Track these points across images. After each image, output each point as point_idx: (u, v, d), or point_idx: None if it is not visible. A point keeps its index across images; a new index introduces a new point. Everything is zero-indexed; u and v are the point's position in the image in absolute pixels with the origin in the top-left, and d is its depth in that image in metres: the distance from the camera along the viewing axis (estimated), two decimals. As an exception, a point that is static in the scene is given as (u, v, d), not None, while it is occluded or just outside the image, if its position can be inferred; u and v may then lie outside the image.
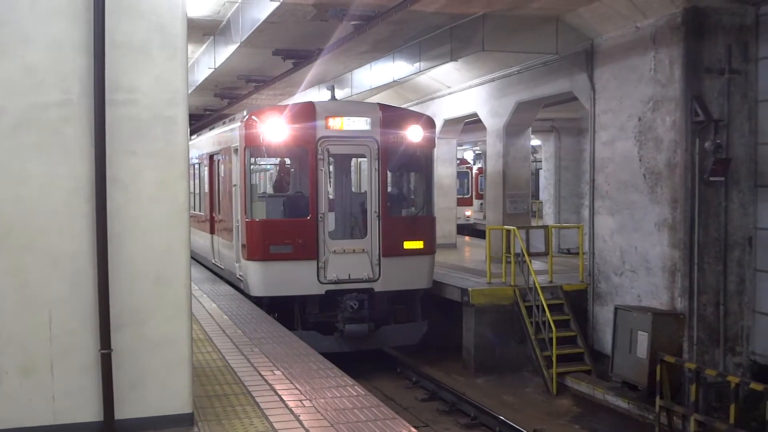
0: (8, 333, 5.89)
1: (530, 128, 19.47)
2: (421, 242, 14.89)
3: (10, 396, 5.91)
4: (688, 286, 12.36)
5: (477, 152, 40.83)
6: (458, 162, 31.25)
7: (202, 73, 20.48)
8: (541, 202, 28.60)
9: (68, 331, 5.98)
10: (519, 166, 19.09)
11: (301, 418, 6.79)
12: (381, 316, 14.79)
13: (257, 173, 21.02)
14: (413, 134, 14.77)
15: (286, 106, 15.14)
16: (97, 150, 5.90)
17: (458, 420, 12.39)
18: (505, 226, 16.57)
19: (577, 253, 16.82)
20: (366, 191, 14.88)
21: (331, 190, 15.78)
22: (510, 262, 15.34)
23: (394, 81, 18.96)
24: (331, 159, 15.24)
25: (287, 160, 17.63)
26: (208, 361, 9.02)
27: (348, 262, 14.27)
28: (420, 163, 15.65)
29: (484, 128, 19.96)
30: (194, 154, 19.63)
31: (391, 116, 14.87)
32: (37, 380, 5.95)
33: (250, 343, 9.99)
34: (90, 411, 6.04)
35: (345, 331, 14.19)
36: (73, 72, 5.91)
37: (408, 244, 14.72)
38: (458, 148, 29.59)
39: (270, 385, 7.91)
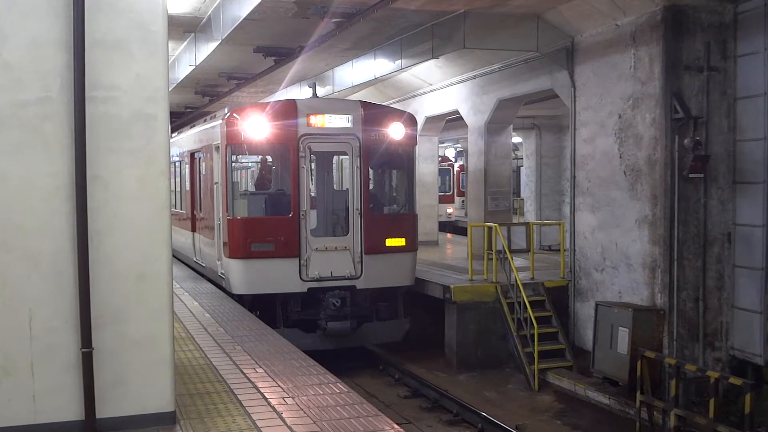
0: (-12, 332, 5.84)
1: (511, 125, 19.54)
2: (403, 239, 14.91)
3: (-10, 396, 5.86)
4: (668, 282, 12.46)
5: (458, 149, 40.91)
6: (440, 159, 31.31)
7: (182, 71, 20.38)
8: (523, 199, 28.75)
9: (49, 330, 5.94)
10: (500, 163, 19.15)
11: (283, 415, 6.78)
12: (363, 313, 14.79)
13: (239, 171, 20.96)
14: (395, 132, 14.78)
15: (268, 103, 15.10)
16: (77, 148, 5.86)
17: (441, 417, 12.42)
18: (487, 223, 16.61)
19: (558, 250, 16.89)
20: (348, 189, 14.87)
21: (312, 187, 15.75)
22: (492, 259, 15.39)
23: (375, 78, 18.96)
24: (313, 156, 15.21)
25: (269, 158, 17.58)
26: (190, 359, 8.98)
27: (330, 259, 14.26)
28: (402, 160, 15.66)
29: (466, 126, 20.00)
30: (175, 151, 19.52)
31: (373, 114, 14.87)
32: (18, 379, 5.90)
33: (232, 341, 9.96)
34: (71, 410, 6.01)
35: (327, 329, 14.17)
36: (53, 69, 5.86)
37: (390, 242, 14.74)
38: (440, 145, 29.65)
39: (252, 382, 7.89)
